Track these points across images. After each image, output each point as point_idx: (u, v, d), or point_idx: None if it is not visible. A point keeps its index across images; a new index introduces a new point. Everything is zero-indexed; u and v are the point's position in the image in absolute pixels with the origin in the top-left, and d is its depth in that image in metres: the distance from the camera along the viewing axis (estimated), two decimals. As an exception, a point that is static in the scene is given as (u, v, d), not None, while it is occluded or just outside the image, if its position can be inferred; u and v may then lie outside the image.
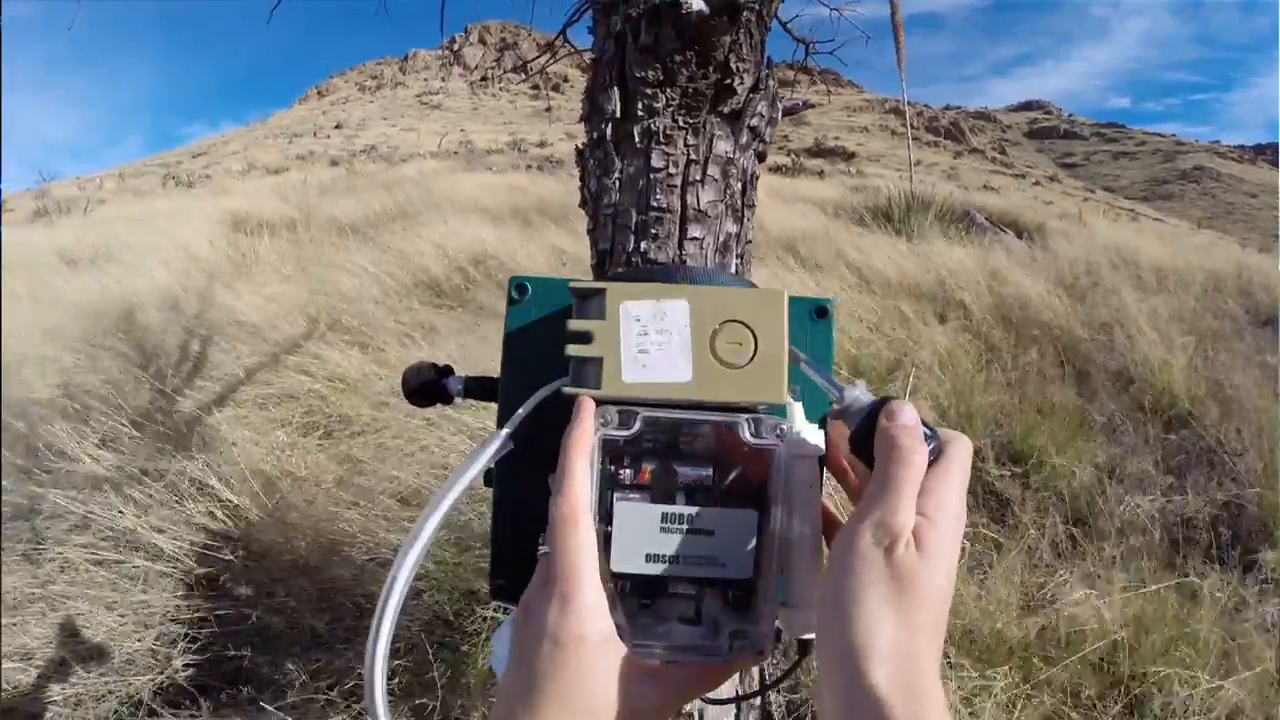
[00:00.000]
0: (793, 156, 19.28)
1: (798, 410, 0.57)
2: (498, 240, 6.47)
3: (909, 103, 9.84)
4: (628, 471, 0.54)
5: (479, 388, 0.67)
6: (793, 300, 0.58)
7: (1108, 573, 2.55)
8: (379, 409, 3.62)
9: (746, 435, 0.51)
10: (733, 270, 1.05)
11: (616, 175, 1.02)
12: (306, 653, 2.26)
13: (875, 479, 0.46)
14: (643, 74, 0.97)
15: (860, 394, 0.51)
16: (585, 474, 0.49)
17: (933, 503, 0.45)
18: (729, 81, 0.98)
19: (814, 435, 0.55)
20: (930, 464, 0.47)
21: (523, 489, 0.59)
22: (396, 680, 2.08)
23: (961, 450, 0.48)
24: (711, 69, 0.97)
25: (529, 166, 14.82)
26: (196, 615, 2.39)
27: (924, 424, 0.48)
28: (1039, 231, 8.10)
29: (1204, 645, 2.29)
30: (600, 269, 1.05)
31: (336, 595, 2.43)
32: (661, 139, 0.99)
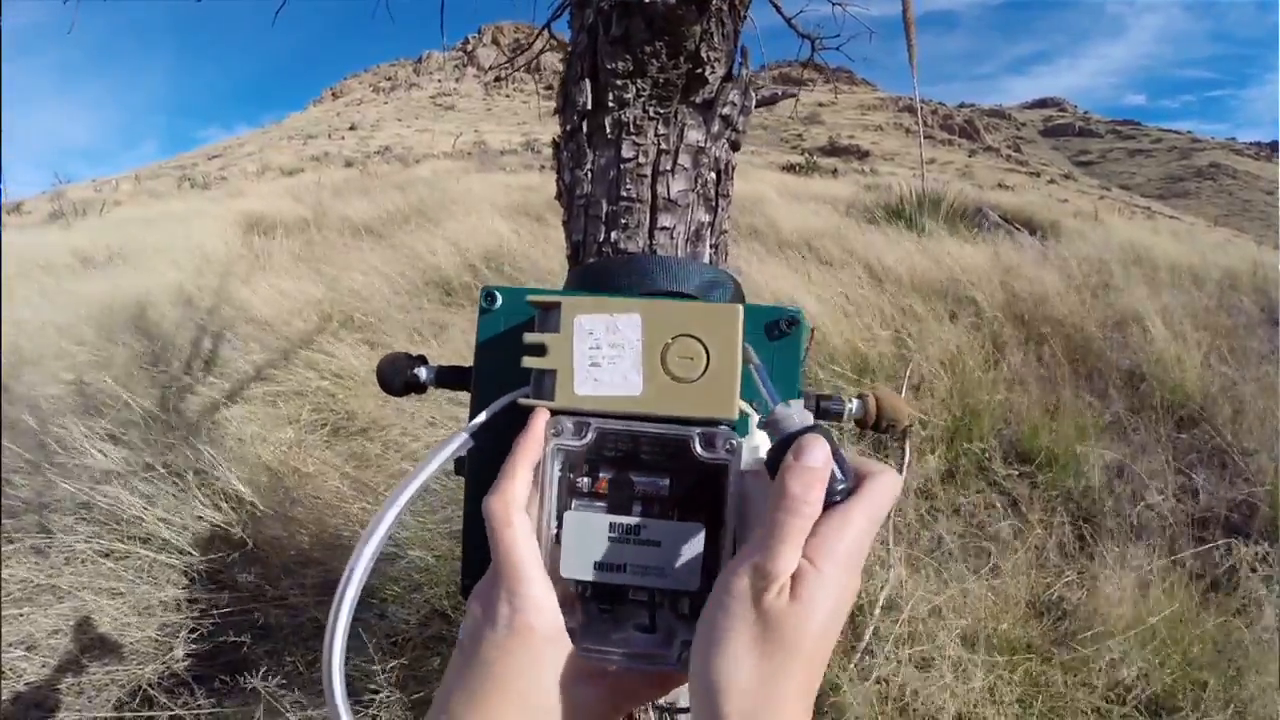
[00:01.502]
0: (807, 155, 19.23)
1: (755, 422, 0.57)
2: (510, 239, 6.48)
3: (923, 101, 9.81)
4: (585, 480, 0.55)
5: (450, 377, 0.68)
6: (757, 310, 0.58)
7: (1116, 573, 2.53)
8: (386, 406, 3.63)
9: (697, 449, 0.51)
10: (706, 260, 1.06)
11: (588, 167, 1.02)
12: (305, 643, 2.28)
13: (765, 518, 0.46)
14: (613, 65, 0.98)
15: (793, 413, 0.50)
16: (525, 476, 0.50)
17: (822, 549, 0.44)
18: (700, 71, 0.99)
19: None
20: (834, 504, 0.46)
21: None
22: (392, 673, 2.09)
23: (876, 491, 0.47)
24: (682, 59, 0.97)
25: (542, 167, 14.83)
26: (199, 607, 2.41)
27: (839, 461, 0.48)
28: (1053, 229, 8.04)
29: (1215, 645, 2.28)
30: (575, 260, 1.06)
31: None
32: (632, 129, 0.99)
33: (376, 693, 2.03)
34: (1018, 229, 7.85)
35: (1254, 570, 2.63)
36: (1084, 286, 5.16)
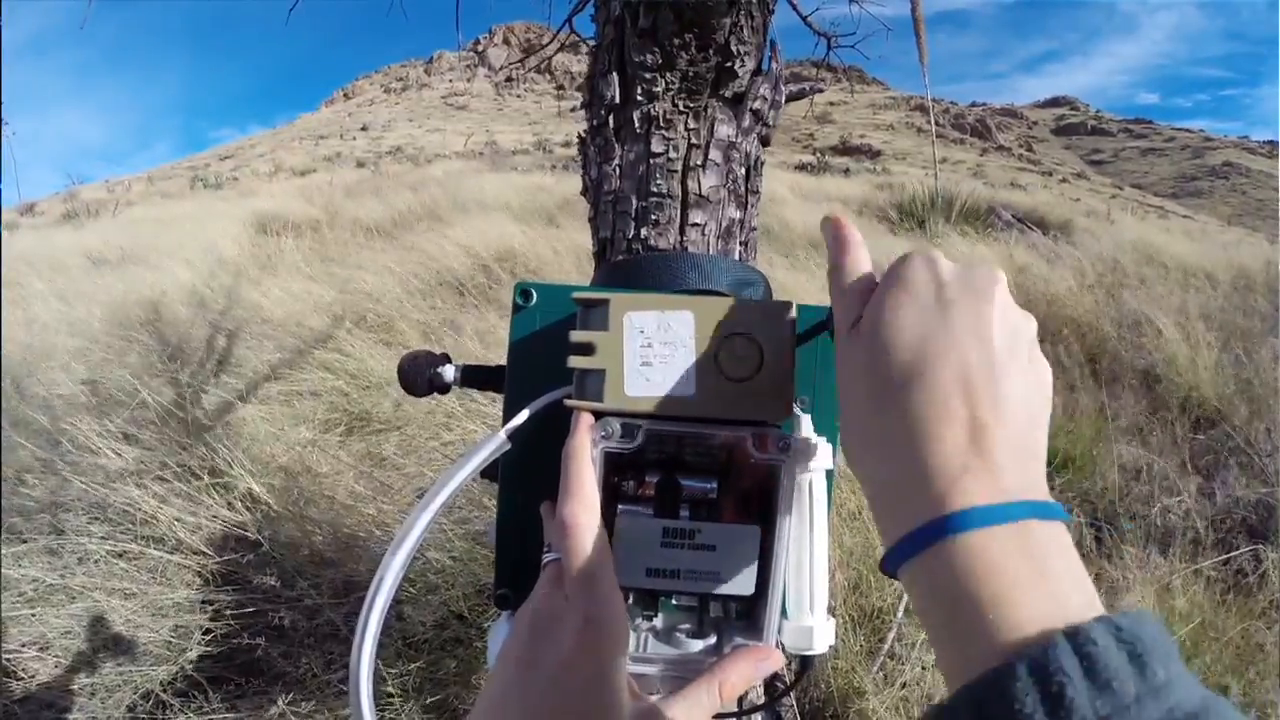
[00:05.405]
0: (818, 155, 19.24)
1: (805, 422, 0.55)
2: (522, 239, 6.48)
3: (934, 100, 9.80)
4: (631, 483, 0.54)
5: (477, 376, 0.66)
6: (806, 309, 0.56)
7: (1135, 574, 2.51)
8: (401, 406, 3.63)
9: (751, 449, 0.50)
10: (736, 257, 1.04)
11: (617, 162, 1.00)
12: (321, 645, 2.27)
13: None
14: (642, 58, 0.96)
15: None
16: (593, 480, 0.47)
17: None
18: (730, 64, 0.97)
19: (822, 448, 0.53)
20: None
21: (530, 499, 0.58)
22: (410, 678, 2.08)
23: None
24: (712, 52, 0.95)
25: (554, 166, 14.85)
26: (213, 608, 2.40)
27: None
28: (1066, 229, 8.02)
29: (1236, 649, 2.26)
30: (601, 257, 1.04)
31: (353, 589, 2.44)
32: (661, 123, 0.97)
33: (392, 696, 2.02)
34: (1030, 228, 7.84)
35: (1276, 570, 2.61)
36: (1098, 286, 5.14)
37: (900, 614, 2.21)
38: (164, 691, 2.11)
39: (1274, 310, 4.81)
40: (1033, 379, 0.40)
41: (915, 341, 0.39)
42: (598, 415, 0.50)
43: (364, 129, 49.04)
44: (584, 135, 1.09)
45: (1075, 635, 0.30)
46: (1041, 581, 0.33)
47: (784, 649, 0.53)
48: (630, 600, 0.53)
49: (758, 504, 0.54)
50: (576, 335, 0.52)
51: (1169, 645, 0.31)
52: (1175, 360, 3.95)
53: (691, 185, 0.98)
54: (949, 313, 0.39)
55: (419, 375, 0.66)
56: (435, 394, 0.68)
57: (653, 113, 0.98)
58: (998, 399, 0.37)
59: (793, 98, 1.19)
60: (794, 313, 0.52)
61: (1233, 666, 2.20)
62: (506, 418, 0.57)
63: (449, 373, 0.65)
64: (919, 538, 0.35)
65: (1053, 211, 9.45)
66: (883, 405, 0.40)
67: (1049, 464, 2.23)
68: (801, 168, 15.45)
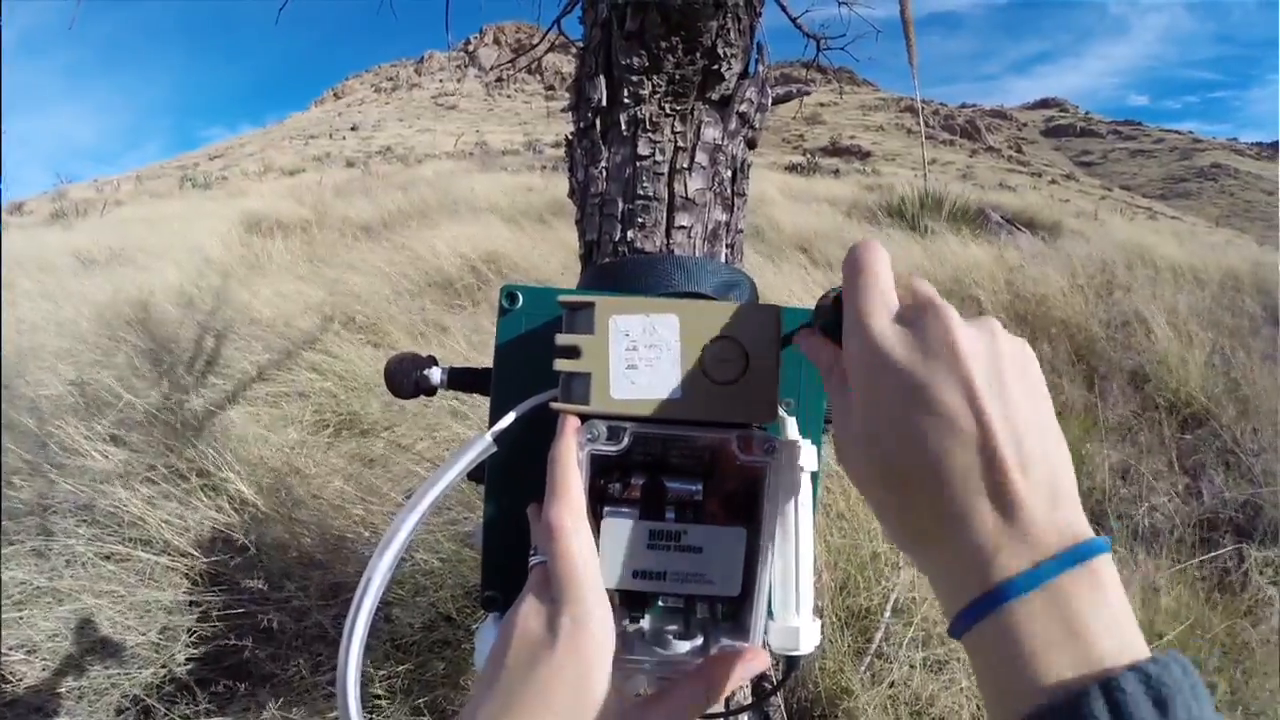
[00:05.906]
0: (808, 155, 19.27)
1: (791, 424, 0.56)
2: (511, 240, 6.48)
3: (924, 101, 9.84)
4: (616, 485, 0.54)
5: (464, 379, 0.66)
6: (791, 312, 0.56)
7: (1121, 574, 2.52)
8: (389, 408, 3.62)
9: (736, 451, 0.50)
10: (722, 259, 1.04)
11: (603, 164, 1.01)
12: (309, 646, 2.26)
13: None
14: (628, 61, 0.96)
15: None
16: (579, 483, 0.48)
17: None
18: (716, 67, 0.97)
19: (807, 450, 0.53)
20: None
21: (517, 502, 0.58)
22: (398, 680, 2.08)
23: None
24: (699, 55, 0.96)
25: (544, 167, 14.86)
26: (201, 610, 2.39)
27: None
28: (1055, 230, 8.06)
29: (1223, 648, 2.27)
30: (588, 259, 1.05)
31: (341, 590, 2.43)
32: (648, 126, 0.97)
33: (380, 697, 2.02)
34: (1020, 230, 7.86)
35: (1261, 572, 2.62)
36: (1087, 287, 5.15)
37: (888, 614, 2.22)
38: (151, 695, 2.10)
39: (1262, 310, 4.83)
40: (1034, 397, 0.41)
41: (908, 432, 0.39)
42: (583, 418, 0.50)
43: (354, 129, 48.93)
44: (571, 138, 1.09)
45: (1106, 684, 0.32)
46: (1072, 640, 0.34)
47: (770, 650, 0.53)
48: (617, 602, 0.53)
49: (743, 506, 0.54)
50: (562, 338, 0.52)
51: (1196, 688, 0.32)
52: (1164, 360, 3.97)
53: (678, 188, 0.98)
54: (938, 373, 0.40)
55: (405, 377, 0.66)
56: (422, 396, 0.68)
57: (639, 115, 0.98)
58: (1019, 449, 0.38)
59: (781, 100, 1.19)
60: (779, 315, 0.52)
61: (1220, 665, 2.21)
62: (493, 421, 0.57)
63: (435, 375, 0.65)
64: (968, 616, 0.37)
65: (1042, 213, 9.48)
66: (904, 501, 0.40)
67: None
68: (791, 168, 15.48)
